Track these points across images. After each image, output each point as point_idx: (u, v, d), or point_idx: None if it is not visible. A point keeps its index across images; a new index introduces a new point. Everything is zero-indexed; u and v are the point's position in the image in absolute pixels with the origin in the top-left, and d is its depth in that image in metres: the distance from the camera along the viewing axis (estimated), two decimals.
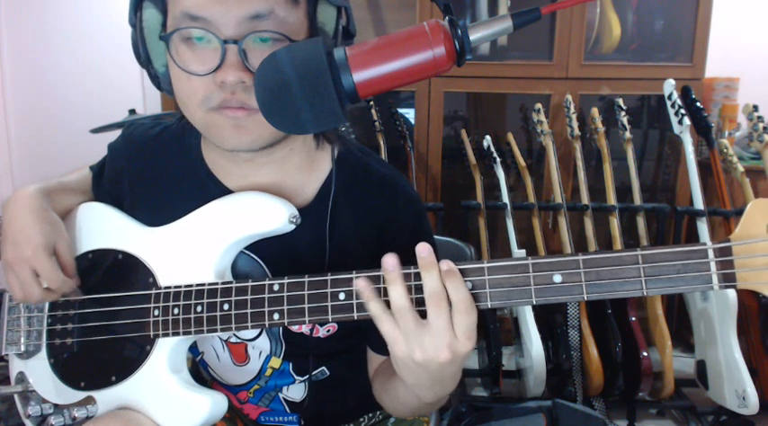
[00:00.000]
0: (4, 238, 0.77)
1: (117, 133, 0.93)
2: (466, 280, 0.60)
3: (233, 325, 0.68)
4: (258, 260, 0.78)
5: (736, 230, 0.55)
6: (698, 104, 1.98)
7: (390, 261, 0.59)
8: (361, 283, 0.60)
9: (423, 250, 0.58)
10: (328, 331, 0.80)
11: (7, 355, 0.86)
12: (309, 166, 0.79)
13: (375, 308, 0.59)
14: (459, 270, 0.60)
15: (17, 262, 0.75)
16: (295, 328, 0.80)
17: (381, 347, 0.63)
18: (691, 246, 0.55)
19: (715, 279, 0.55)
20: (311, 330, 0.80)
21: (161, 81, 0.73)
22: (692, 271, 0.55)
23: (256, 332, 0.82)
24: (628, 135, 2.09)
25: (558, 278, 0.58)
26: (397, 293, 0.58)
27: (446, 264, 0.58)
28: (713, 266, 0.55)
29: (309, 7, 0.68)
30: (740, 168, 1.99)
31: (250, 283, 0.68)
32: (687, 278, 0.55)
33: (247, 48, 0.64)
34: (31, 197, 0.78)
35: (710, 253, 0.55)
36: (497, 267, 0.59)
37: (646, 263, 0.56)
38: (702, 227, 1.96)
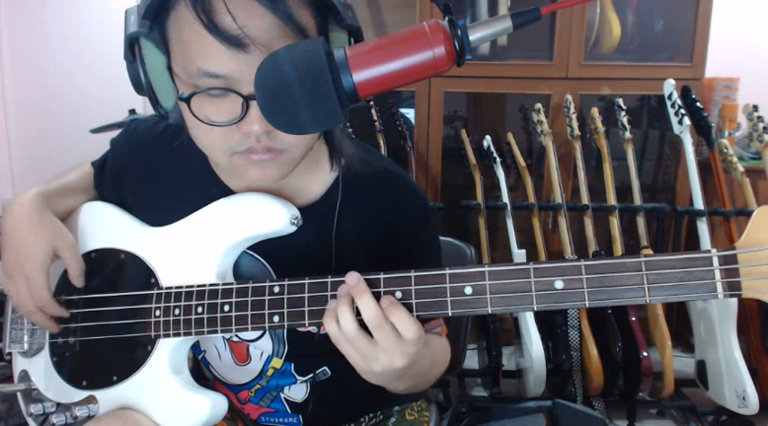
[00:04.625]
0: (5, 245, 0.78)
1: (117, 133, 0.93)
2: (466, 286, 0.60)
3: (233, 327, 0.68)
4: (262, 260, 0.78)
5: (742, 238, 0.54)
6: (698, 104, 1.98)
7: (342, 286, 0.63)
8: (331, 303, 0.63)
9: (351, 279, 0.62)
10: None
11: (10, 354, 0.86)
12: (314, 168, 0.79)
13: (333, 330, 0.62)
14: (459, 274, 0.60)
15: (16, 275, 0.76)
16: (300, 328, 0.80)
17: None
18: (695, 254, 0.54)
19: (719, 287, 0.54)
20: (318, 328, 0.80)
21: (170, 116, 0.70)
22: (696, 279, 0.54)
23: (259, 332, 0.82)
24: (628, 135, 2.09)
25: (559, 284, 0.58)
26: (344, 318, 0.61)
27: (386, 301, 0.61)
28: (717, 274, 0.54)
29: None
30: (740, 168, 1.99)
31: (250, 284, 0.68)
32: (691, 286, 0.54)
33: None
34: (29, 203, 0.78)
35: (715, 261, 0.54)
36: (498, 272, 0.59)
37: (649, 270, 0.55)
38: (702, 227, 1.96)
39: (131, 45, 0.65)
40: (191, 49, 0.62)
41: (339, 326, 0.62)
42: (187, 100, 0.64)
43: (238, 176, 0.70)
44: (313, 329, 0.80)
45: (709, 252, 0.54)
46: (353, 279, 0.62)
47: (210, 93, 0.63)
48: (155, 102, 0.68)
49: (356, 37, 0.68)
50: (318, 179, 0.79)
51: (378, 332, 0.60)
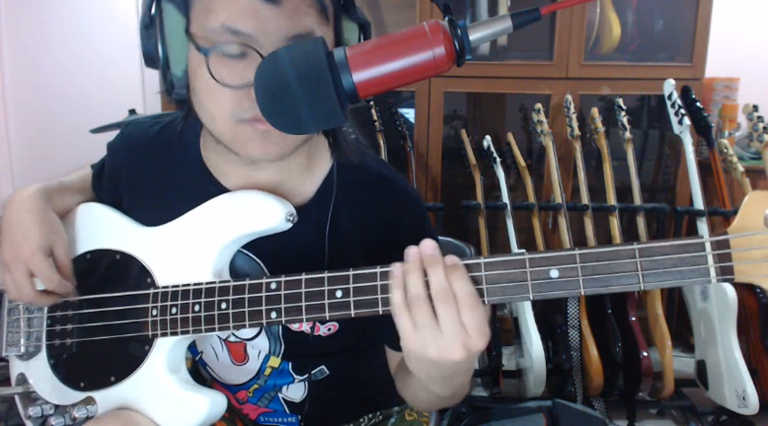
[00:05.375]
0: (3, 238, 0.77)
1: (116, 133, 0.93)
2: None
3: (231, 324, 0.68)
4: (256, 259, 0.78)
5: (734, 223, 0.55)
6: (698, 104, 1.98)
7: (413, 250, 0.59)
8: (397, 268, 0.59)
9: (427, 247, 0.59)
10: (329, 329, 0.80)
11: (7, 356, 0.86)
12: (309, 166, 0.79)
13: (396, 297, 0.59)
14: None
15: (13, 262, 0.75)
16: (295, 327, 0.80)
17: (398, 342, 0.64)
18: (688, 239, 0.55)
19: (712, 272, 0.54)
20: (312, 328, 0.80)
21: (176, 85, 0.70)
22: (689, 264, 0.55)
23: (255, 331, 0.81)
24: (628, 135, 2.09)
25: (554, 272, 0.58)
26: (414, 281, 0.58)
27: (450, 259, 0.59)
28: (710, 259, 0.54)
29: (337, 25, 0.69)
30: (740, 168, 1.99)
31: (247, 282, 0.68)
32: (684, 271, 0.55)
33: None
34: (30, 197, 0.78)
35: (708, 246, 0.55)
36: (494, 263, 0.60)
37: (643, 257, 0.56)
38: (702, 227, 1.96)
39: (150, 10, 0.67)
40: (217, 4, 0.63)
41: (405, 292, 0.59)
42: (207, 52, 0.64)
43: (239, 149, 0.70)
44: (306, 330, 0.80)
45: (701, 237, 0.55)
46: (430, 247, 0.59)
47: (227, 51, 0.64)
48: (166, 66, 0.69)
49: (365, 32, 0.70)
50: (314, 178, 0.79)
51: (443, 306, 0.57)
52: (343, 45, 0.68)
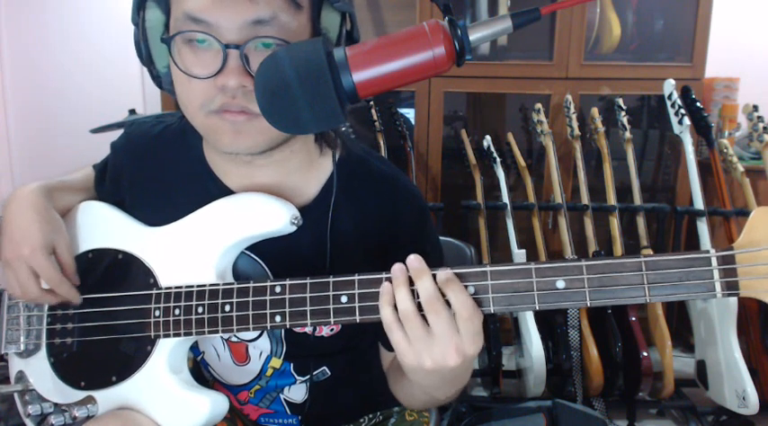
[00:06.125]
0: (4, 236, 0.77)
1: (117, 133, 0.93)
2: (468, 285, 0.60)
3: (234, 327, 0.68)
4: (259, 260, 0.78)
5: (740, 238, 0.55)
6: (698, 104, 1.98)
7: (397, 266, 0.60)
8: (386, 285, 0.61)
9: (413, 259, 0.60)
10: (332, 329, 0.80)
11: (7, 354, 0.86)
12: (310, 166, 0.79)
13: (387, 315, 0.60)
14: (462, 274, 0.60)
15: (15, 261, 0.75)
16: (298, 328, 0.80)
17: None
18: (694, 254, 0.55)
19: (718, 287, 0.55)
20: (314, 329, 0.80)
21: (162, 81, 0.73)
22: (695, 279, 0.55)
23: (257, 332, 0.81)
24: (628, 135, 2.09)
25: (561, 283, 0.58)
26: (402, 296, 0.59)
27: (444, 274, 0.59)
28: (716, 274, 0.55)
29: (313, 12, 0.68)
30: (740, 168, 1.99)
31: (252, 284, 0.68)
32: (690, 285, 0.55)
33: (249, 52, 0.64)
34: (32, 195, 0.78)
35: (714, 261, 0.55)
36: (500, 272, 0.59)
37: (649, 270, 0.56)
38: (702, 227, 1.96)
39: (138, 9, 0.69)
40: None
41: (396, 308, 0.60)
42: (168, 41, 0.66)
43: (215, 143, 0.70)
44: (309, 330, 0.80)
45: (707, 252, 0.55)
46: (416, 260, 0.60)
47: (189, 37, 0.65)
48: (150, 63, 0.71)
49: (351, 21, 0.70)
50: (315, 179, 0.79)
51: (434, 315, 0.58)
52: (322, 34, 0.68)
